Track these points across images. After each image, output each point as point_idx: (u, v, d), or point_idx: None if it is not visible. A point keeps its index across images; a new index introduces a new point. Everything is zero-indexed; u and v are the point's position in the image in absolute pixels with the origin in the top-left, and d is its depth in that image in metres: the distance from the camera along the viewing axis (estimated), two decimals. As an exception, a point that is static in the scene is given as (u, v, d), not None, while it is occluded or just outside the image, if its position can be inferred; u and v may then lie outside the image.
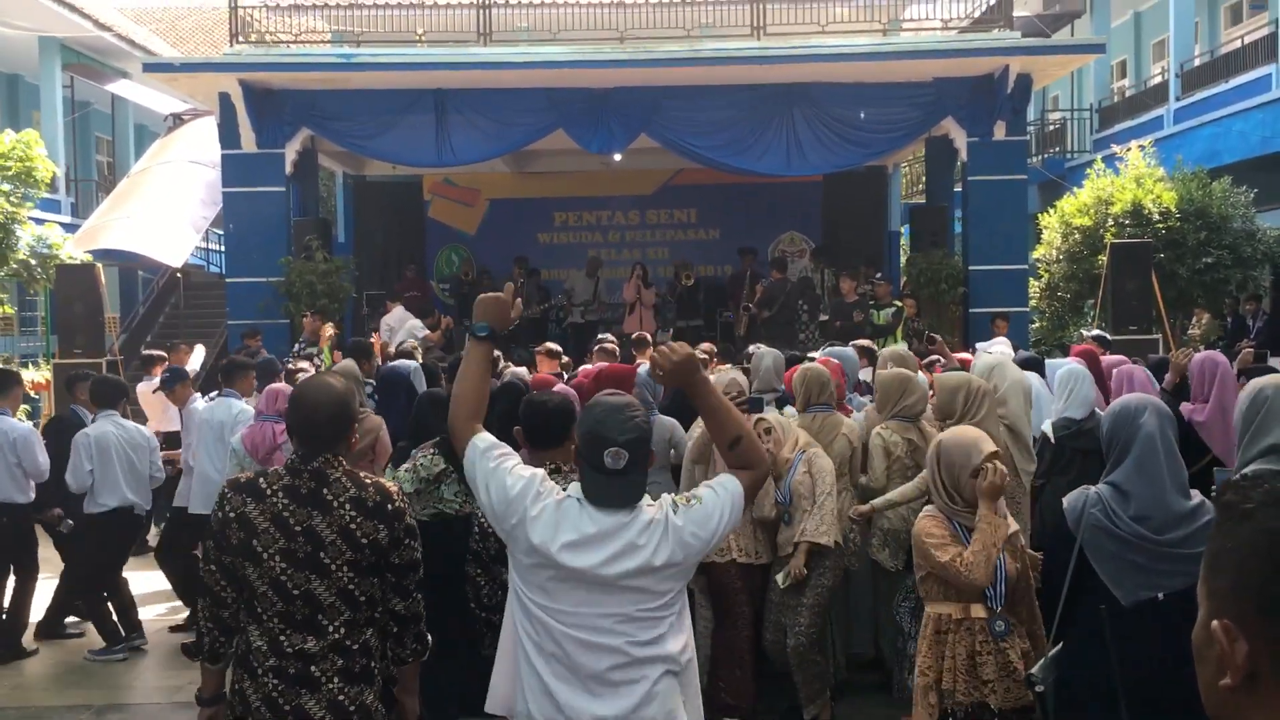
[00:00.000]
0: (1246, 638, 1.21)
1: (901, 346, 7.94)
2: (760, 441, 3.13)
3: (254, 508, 3.12)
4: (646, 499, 2.83)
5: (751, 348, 8.21)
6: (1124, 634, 3.32)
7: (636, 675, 2.76)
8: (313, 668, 3.08)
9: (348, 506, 3.10)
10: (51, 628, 7.62)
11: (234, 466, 6.05)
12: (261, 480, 3.20)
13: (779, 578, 5.37)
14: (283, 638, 3.09)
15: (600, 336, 9.50)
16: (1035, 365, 7.42)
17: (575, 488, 2.82)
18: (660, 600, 2.79)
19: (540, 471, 2.89)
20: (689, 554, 2.80)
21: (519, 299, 3.09)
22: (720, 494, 2.88)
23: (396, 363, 7.27)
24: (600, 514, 2.74)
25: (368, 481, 3.19)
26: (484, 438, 2.92)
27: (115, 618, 7.26)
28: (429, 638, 3.37)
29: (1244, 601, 1.23)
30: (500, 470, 2.83)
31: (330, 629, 3.09)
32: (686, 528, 2.78)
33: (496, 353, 3.72)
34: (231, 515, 3.14)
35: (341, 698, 3.09)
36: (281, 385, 6.66)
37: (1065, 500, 3.61)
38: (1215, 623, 1.24)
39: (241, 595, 3.18)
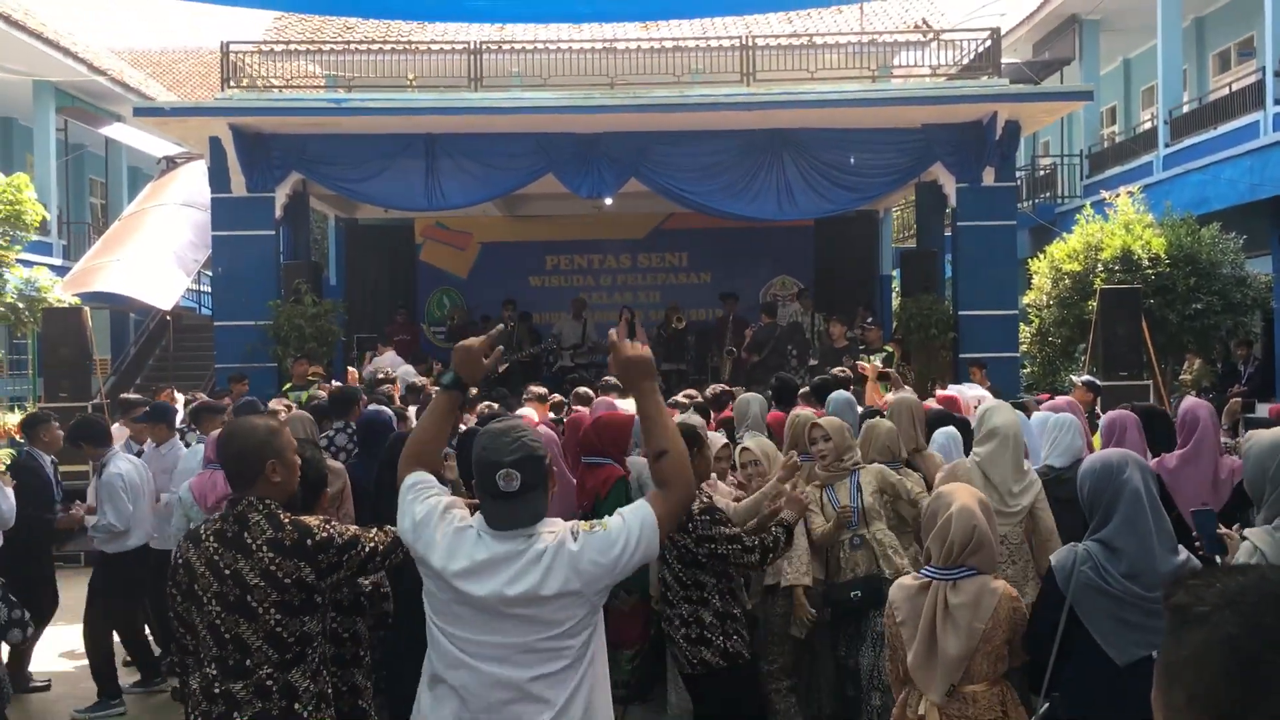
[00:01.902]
0: None
1: (907, 392, 7.83)
2: (691, 462, 3.08)
3: (194, 553, 3.18)
4: (549, 524, 2.80)
5: (713, 388, 8.11)
6: (1118, 692, 3.24)
7: (528, 711, 2.71)
8: (235, 713, 3.07)
9: (265, 549, 3.10)
10: (18, 681, 7.41)
11: (179, 516, 5.94)
12: (202, 527, 3.27)
13: (793, 632, 5.34)
14: (215, 683, 3.10)
15: (577, 391, 9.36)
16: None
17: (479, 520, 2.80)
18: (558, 630, 2.72)
19: (449, 499, 2.88)
20: (588, 581, 2.72)
21: (499, 347, 3.07)
22: (629, 520, 2.80)
23: (376, 410, 7.17)
24: (495, 541, 2.72)
25: (286, 521, 3.17)
26: (414, 476, 2.93)
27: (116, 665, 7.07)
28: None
29: (1201, 716, 1.14)
30: (413, 501, 2.86)
31: (258, 673, 3.09)
32: (585, 554, 2.72)
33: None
34: (180, 562, 3.22)
35: None
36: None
37: (1053, 558, 3.55)
38: None
39: (194, 640, 3.24)
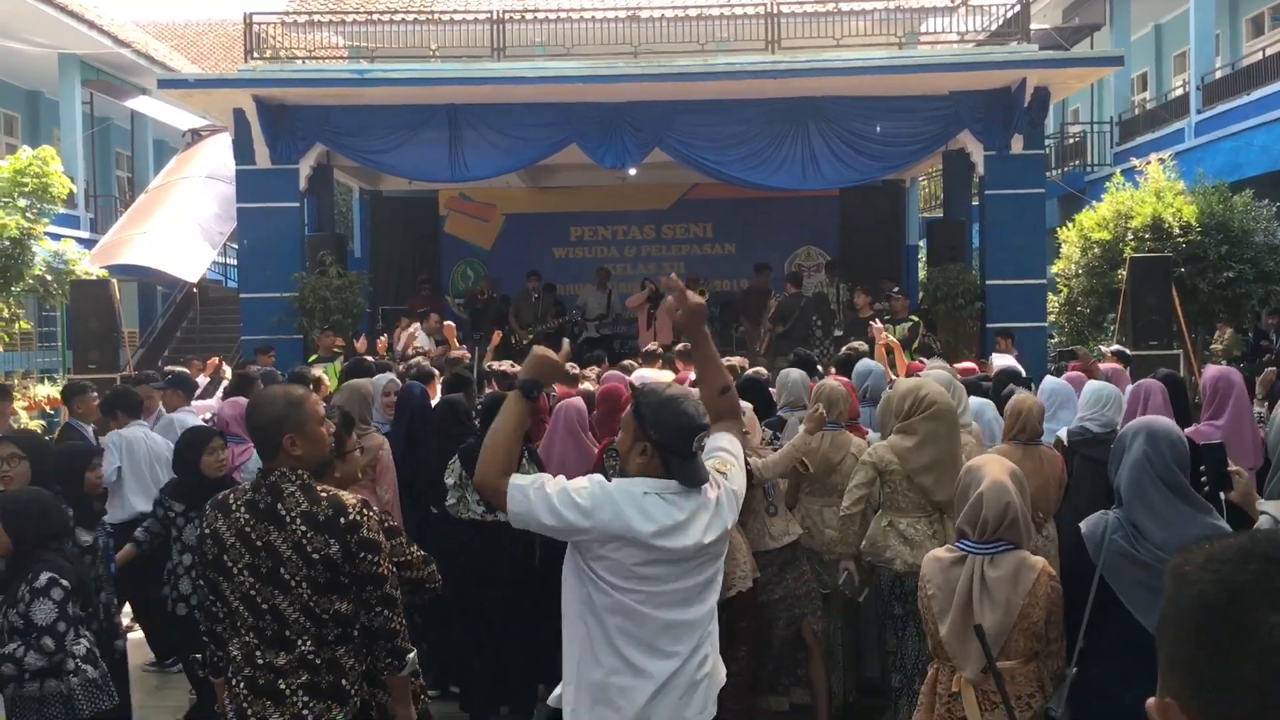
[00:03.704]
0: (1189, 717, 1.08)
1: (939, 364, 7.82)
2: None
3: (222, 523, 3.14)
4: None
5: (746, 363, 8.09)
6: (1153, 663, 3.20)
7: (704, 632, 3.04)
8: (280, 682, 3.07)
9: (299, 521, 3.07)
10: None
11: None
12: (231, 496, 3.22)
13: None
14: (257, 652, 3.09)
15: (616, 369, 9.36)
16: (1021, 381, 7.37)
17: (641, 482, 2.95)
18: (720, 559, 3.11)
19: (597, 476, 3.02)
20: (736, 515, 3.14)
21: (565, 351, 3.41)
22: (735, 452, 3.22)
23: (411, 384, 7.22)
24: (684, 499, 2.96)
25: (322, 495, 3.14)
26: (519, 478, 2.94)
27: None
28: (407, 652, 3.27)
29: (1180, 677, 1.10)
30: (560, 491, 2.90)
31: (299, 644, 3.07)
32: (735, 489, 3.11)
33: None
34: (207, 531, 3.18)
35: (306, 713, 3.08)
36: (225, 403, 6.57)
37: (1083, 526, 3.50)
38: (1152, 700, 1.13)
39: (224, 609, 3.21)
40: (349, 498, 3.19)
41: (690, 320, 3.22)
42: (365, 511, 3.17)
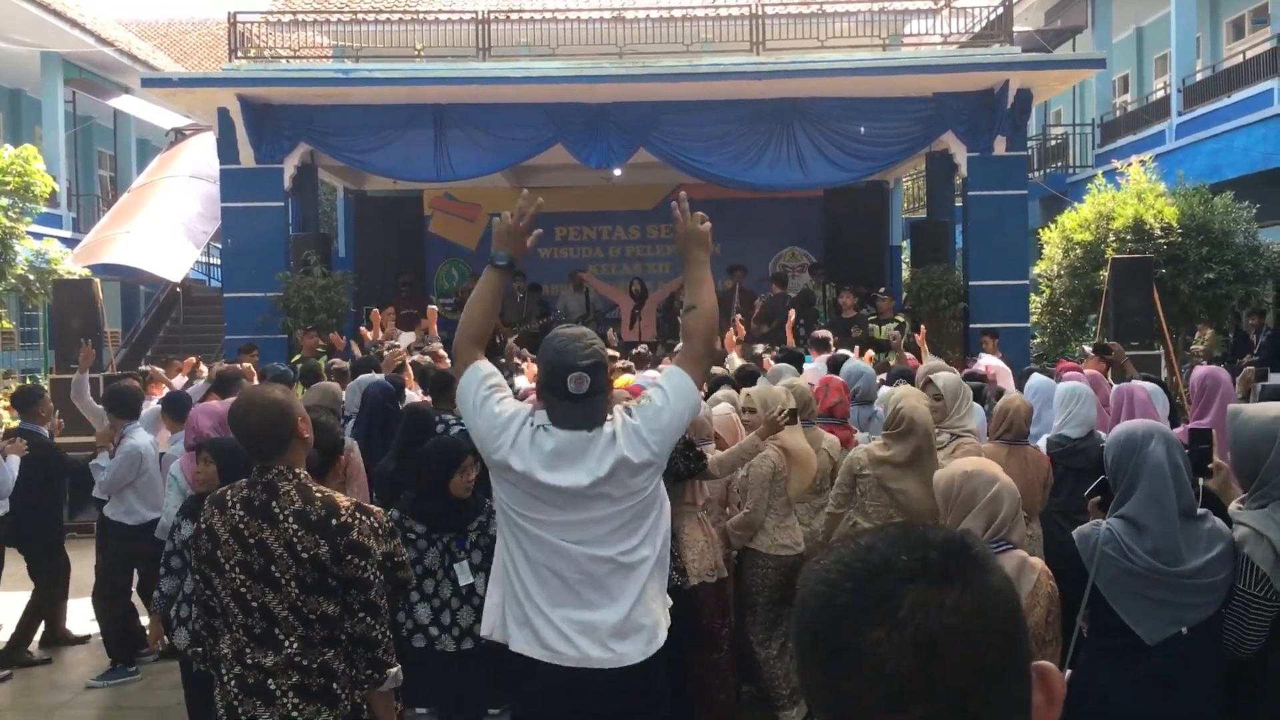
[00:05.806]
0: None
1: (937, 361, 7.88)
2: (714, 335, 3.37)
3: (218, 519, 3.14)
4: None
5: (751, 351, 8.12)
6: (1144, 672, 3.23)
7: (627, 582, 2.98)
8: (269, 681, 3.07)
9: (291, 520, 3.07)
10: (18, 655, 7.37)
11: (175, 495, 5.88)
12: (228, 492, 3.22)
13: None
14: (246, 649, 3.09)
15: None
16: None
17: (541, 416, 3.01)
18: (636, 501, 2.99)
19: (526, 406, 3.06)
20: (655, 450, 2.99)
21: (538, 231, 3.37)
22: (665, 386, 3.08)
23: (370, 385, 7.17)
24: (567, 436, 2.95)
25: (317, 495, 3.13)
26: (484, 365, 3.10)
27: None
28: (389, 666, 3.20)
29: (812, 700, 1.07)
30: (490, 401, 3.02)
31: (286, 643, 3.07)
32: (644, 427, 2.98)
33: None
34: (203, 527, 3.19)
35: (295, 715, 3.07)
36: (203, 408, 6.47)
37: (1075, 535, 3.48)
38: None
39: (219, 604, 3.20)
40: (343, 500, 3.18)
41: (688, 242, 3.22)
42: (358, 515, 3.14)
